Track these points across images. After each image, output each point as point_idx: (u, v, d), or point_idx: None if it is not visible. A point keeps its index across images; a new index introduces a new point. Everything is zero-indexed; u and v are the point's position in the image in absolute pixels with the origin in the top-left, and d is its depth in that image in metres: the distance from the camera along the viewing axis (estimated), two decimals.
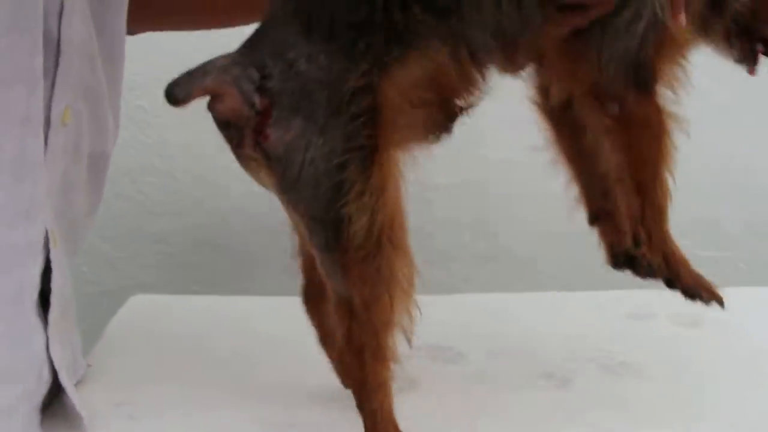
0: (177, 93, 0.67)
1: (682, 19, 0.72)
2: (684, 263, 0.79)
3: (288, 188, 0.67)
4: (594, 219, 0.84)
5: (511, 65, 0.74)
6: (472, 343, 0.96)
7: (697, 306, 1.01)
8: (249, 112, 0.66)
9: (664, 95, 0.76)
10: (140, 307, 1.11)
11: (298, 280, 0.81)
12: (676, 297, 0.79)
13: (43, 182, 0.74)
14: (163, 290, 1.22)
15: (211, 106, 0.68)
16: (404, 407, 0.74)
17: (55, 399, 0.80)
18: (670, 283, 0.79)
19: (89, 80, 0.79)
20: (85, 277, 1.37)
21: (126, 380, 0.89)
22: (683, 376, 0.88)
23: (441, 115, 0.71)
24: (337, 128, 0.65)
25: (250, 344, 0.98)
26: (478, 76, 0.71)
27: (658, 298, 0.92)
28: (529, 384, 0.88)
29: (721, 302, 0.78)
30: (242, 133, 0.67)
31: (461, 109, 0.72)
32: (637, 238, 0.80)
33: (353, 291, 0.67)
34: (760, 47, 0.79)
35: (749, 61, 0.79)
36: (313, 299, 0.79)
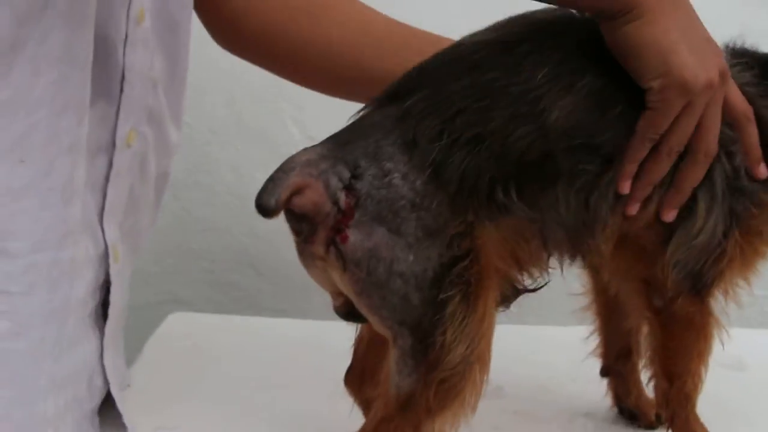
0: (267, 202, 0.64)
1: (762, 170, 0.73)
2: None
3: (369, 293, 0.65)
4: (605, 373, 0.90)
5: (573, 259, 0.75)
6: (512, 378, 0.95)
7: (742, 347, 1.00)
8: (330, 209, 0.64)
9: (715, 298, 0.77)
10: (179, 325, 1.11)
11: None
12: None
13: (95, 203, 0.77)
14: (200, 307, 1.22)
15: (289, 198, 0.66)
16: None
17: (104, 408, 0.81)
18: None
19: (152, 104, 0.82)
20: None
21: (166, 403, 0.89)
22: (725, 417, 0.87)
23: (505, 288, 0.71)
24: (431, 252, 0.65)
25: (293, 368, 0.98)
26: (545, 256, 0.71)
27: None
28: (570, 424, 0.88)
29: None
30: (316, 229, 0.65)
31: (524, 290, 0.71)
32: (659, 415, 0.85)
33: (422, 398, 0.66)
34: None
35: None
36: (356, 381, 0.78)
